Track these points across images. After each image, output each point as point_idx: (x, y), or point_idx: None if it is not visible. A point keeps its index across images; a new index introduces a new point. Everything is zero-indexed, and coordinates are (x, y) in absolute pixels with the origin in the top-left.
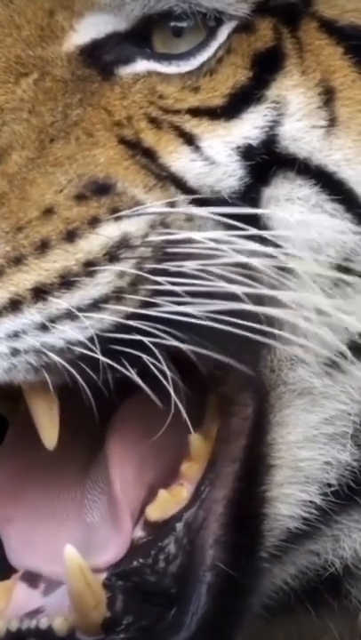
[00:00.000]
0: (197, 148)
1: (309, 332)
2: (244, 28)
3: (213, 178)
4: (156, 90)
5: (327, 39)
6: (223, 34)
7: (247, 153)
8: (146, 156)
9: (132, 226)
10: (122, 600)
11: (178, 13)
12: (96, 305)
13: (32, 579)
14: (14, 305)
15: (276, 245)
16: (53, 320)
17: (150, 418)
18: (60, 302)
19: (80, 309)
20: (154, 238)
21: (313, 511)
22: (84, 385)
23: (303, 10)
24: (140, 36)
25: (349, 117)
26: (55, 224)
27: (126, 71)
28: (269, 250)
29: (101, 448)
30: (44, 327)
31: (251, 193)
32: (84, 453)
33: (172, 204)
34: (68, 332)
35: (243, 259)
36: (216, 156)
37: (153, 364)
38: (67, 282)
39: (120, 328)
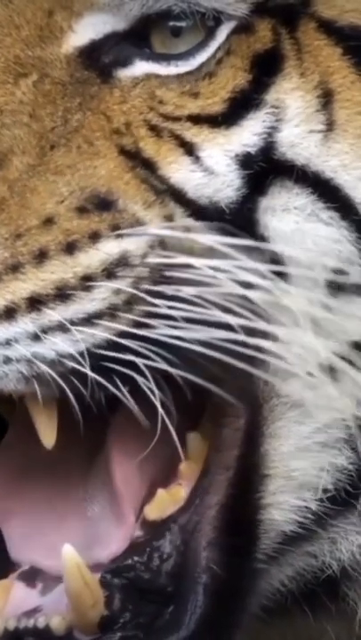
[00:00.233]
0: (197, 159)
1: (301, 350)
2: (244, 28)
3: (212, 188)
4: (155, 94)
5: (326, 40)
6: (222, 34)
7: (246, 162)
8: (146, 167)
9: (132, 244)
10: (119, 599)
11: (176, 13)
12: (89, 320)
13: (30, 578)
14: (9, 313)
15: (273, 261)
16: (45, 331)
17: (151, 416)
18: (53, 314)
19: (73, 323)
20: (152, 260)
21: (309, 516)
22: (74, 400)
23: (302, 10)
24: (139, 36)
25: (347, 120)
26: (55, 234)
27: (125, 74)
28: (266, 284)
29: (103, 444)
30: (36, 337)
31: (248, 203)
32: (85, 448)
33: (170, 220)
34: (59, 344)
35: (240, 290)
36: (215, 165)
37: (143, 383)
38: (62, 294)
39: (112, 346)
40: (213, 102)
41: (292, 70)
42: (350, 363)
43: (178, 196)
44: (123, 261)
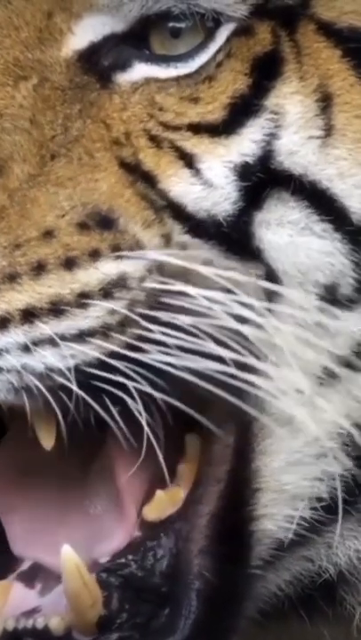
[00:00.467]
0: (197, 172)
1: (290, 388)
2: (243, 31)
3: (210, 202)
4: (155, 101)
5: (325, 42)
6: (222, 36)
7: (244, 173)
8: (145, 180)
9: (131, 267)
10: (117, 598)
11: (176, 14)
12: (81, 337)
13: (29, 578)
14: (2, 323)
15: (268, 276)
16: (36, 343)
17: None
18: (45, 328)
19: (64, 338)
20: (149, 284)
21: (303, 523)
22: (60, 415)
23: (301, 12)
24: (138, 38)
25: (346, 124)
26: (54, 248)
27: (124, 78)
28: (260, 320)
29: (104, 441)
30: (26, 349)
31: (243, 216)
32: (86, 445)
33: (168, 239)
34: (48, 358)
35: (234, 324)
36: (214, 178)
37: (131, 404)
38: (56, 309)
39: (103, 365)
40: (214, 108)
41: (291, 74)
42: (339, 376)
43: (177, 210)
44: (120, 283)
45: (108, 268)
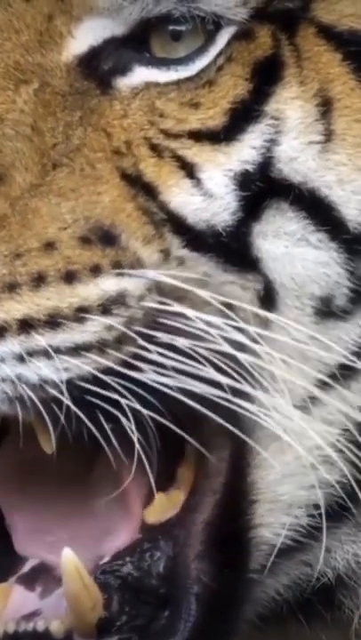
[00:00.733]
0: (198, 182)
1: (282, 417)
2: (244, 35)
3: (210, 212)
4: (155, 106)
5: (325, 45)
6: (222, 39)
7: (244, 182)
8: (146, 193)
9: (131, 284)
10: (117, 601)
11: (176, 17)
12: (77, 350)
13: (29, 581)
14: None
15: (266, 288)
16: (31, 354)
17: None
18: (40, 339)
19: (58, 351)
20: (148, 303)
21: (300, 530)
22: (51, 428)
23: (301, 15)
24: (139, 41)
25: (346, 128)
26: (55, 260)
27: (124, 82)
28: (256, 347)
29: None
30: (21, 359)
31: (242, 227)
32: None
33: (167, 254)
34: (42, 369)
35: (230, 350)
36: (215, 188)
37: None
38: (53, 322)
39: (97, 381)
40: (214, 113)
41: (292, 79)
42: (333, 386)
43: (177, 223)
44: (120, 300)
45: (108, 285)
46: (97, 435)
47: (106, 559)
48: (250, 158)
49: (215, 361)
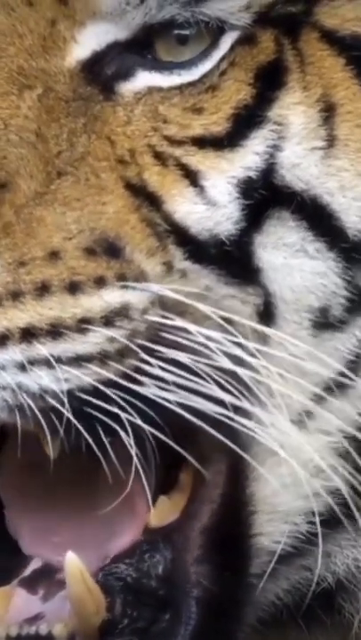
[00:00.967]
0: (201, 190)
1: (280, 434)
2: (247, 40)
3: (213, 221)
4: (158, 112)
5: (328, 50)
6: (226, 44)
7: (246, 189)
8: (150, 203)
9: (134, 297)
10: (120, 603)
11: (180, 22)
12: (78, 361)
13: (31, 585)
14: (2, 339)
15: (265, 302)
16: (32, 363)
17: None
18: (42, 349)
19: (59, 360)
20: (152, 317)
21: (300, 537)
22: (49, 438)
23: (304, 20)
24: (142, 45)
25: (349, 133)
26: (59, 270)
27: (127, 87)
28: (254, 362)
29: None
30: (22, 367)
31: (244, 237)
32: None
33: (169, 267)
34: (43, 379)
35: (230, 365)
36: (218, 196)
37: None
38: (55, 332)
39: (97, 393)
40: (218, 119)
41: (295, 84)
42: (328, 398)
43: (180, 233)
44: (123, 312)
45: (112, 297)
46: (94, 448)
47: (108, 561)
48: (253, 165)
49: (216, 377)
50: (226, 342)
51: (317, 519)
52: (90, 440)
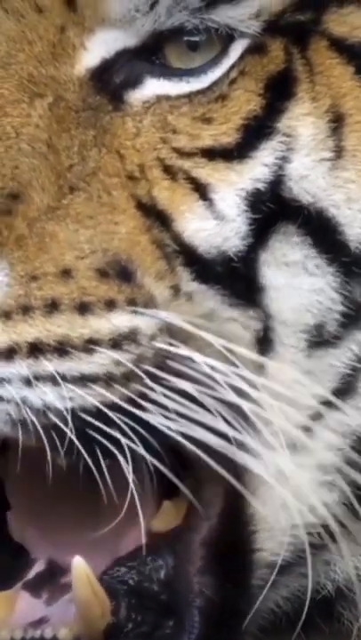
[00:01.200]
0: (210, 203)
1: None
2: (257, 49)
3: (221, 237)
4: (167, 122)
5: (338, 58)
6: (236, 52)
7: (255, 202)
8: (161, 223)
9: (143, 323)
10: (125, 607)
11: (189, 29)
12: (83, 380)
13: (34, 588)
14: (9, 353)
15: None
16: (38, 378)
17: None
18: (48, 365)
19: (64, 378)
20: (159, 344)
21: (300, 547)
22: (49, 453)
23: (313, 28)
24: (151, 51)
25: (357, 144)
26: (70, 288)
27: (136, 96)
28: (255, 394)
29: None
30: (28, 382)
31: (251, 253)
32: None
33: (176, 290)
34: (48, 395)
35: (234, 398)
36: (227, 209)
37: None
38: (62, 349)
39: (100, 415)
40: (227, 129)
41: (304, 94)
42: (325, 414)
43: (188, 253)
44: (131, 337)
45: (120, 321)
46: (93, 469)
47: (111, 564)
48: (262, 176)
49: (219, 409)
50: (230, 374)
51: (305, 539)
52: (89, 461)
